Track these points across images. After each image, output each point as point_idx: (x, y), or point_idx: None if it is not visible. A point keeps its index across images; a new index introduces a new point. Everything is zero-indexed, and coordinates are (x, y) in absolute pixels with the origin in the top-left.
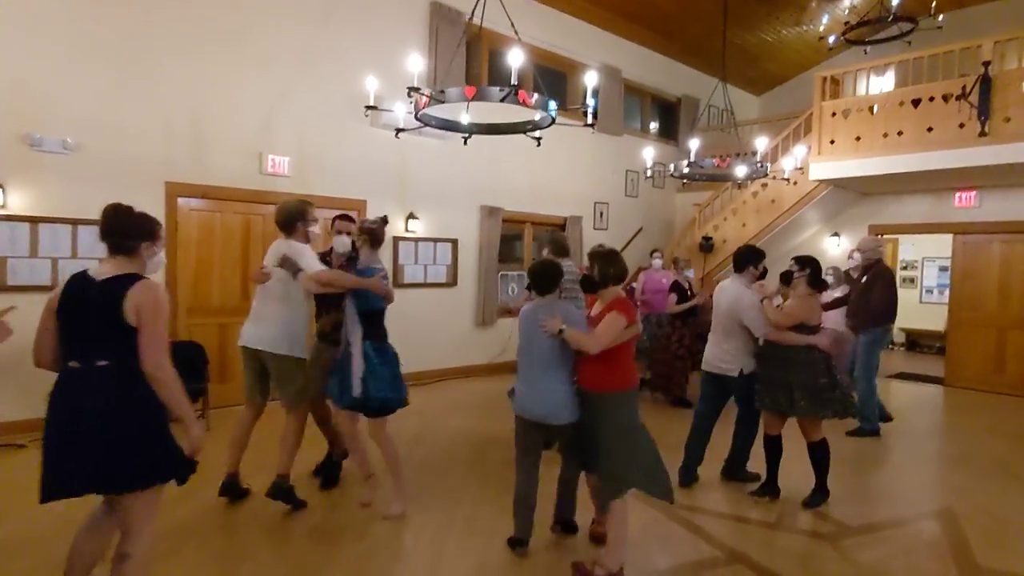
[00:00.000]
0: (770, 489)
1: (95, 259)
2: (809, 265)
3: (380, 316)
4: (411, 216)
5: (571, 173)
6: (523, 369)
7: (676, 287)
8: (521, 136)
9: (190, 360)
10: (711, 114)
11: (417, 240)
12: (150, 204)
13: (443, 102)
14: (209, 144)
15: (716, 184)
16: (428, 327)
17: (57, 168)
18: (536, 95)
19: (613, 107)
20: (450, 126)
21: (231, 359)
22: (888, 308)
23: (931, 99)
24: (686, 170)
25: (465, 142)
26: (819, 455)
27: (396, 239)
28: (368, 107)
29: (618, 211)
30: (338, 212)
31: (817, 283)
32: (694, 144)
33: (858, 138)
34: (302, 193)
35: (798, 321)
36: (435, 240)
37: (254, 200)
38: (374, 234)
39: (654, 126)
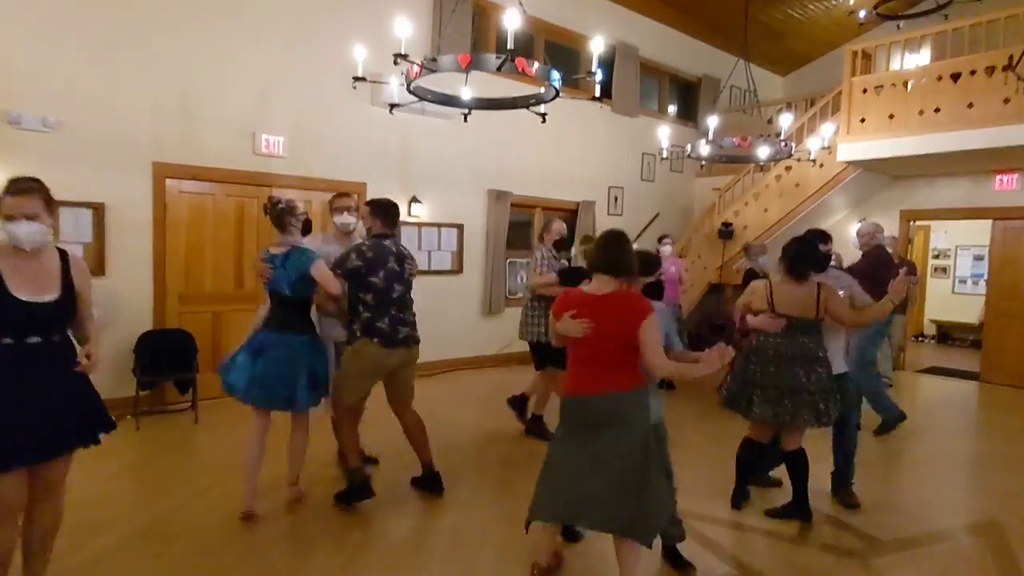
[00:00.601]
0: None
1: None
2: (787, 250)
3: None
4: (414, 200)
5: (584, 156)
6: None
7: (751, 274)
8: (531, 117)
9: (178, 349)
10: (733, 95)
11: (420, 225)
12: (136, 185)
13: (435, 71)
14: (199, 123)
15: (737, 168)
16: (432, 316)
17: (37, 147)
18: (537, 64)
19: (629, 87)
20: (447, 100)
21: (225, 348)
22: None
23: (972, 72)
24: (705, 151)
25: (465, 119)
26: (794, 465)
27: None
28: (356, 78)
29: (634, 196)
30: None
31: (795, 270)
32: (712, 122)
33: (891, 116)
34: (298, 175)
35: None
36: (439, 225)
37: (248, 182)
38: (280, 215)
39: (672, 108)
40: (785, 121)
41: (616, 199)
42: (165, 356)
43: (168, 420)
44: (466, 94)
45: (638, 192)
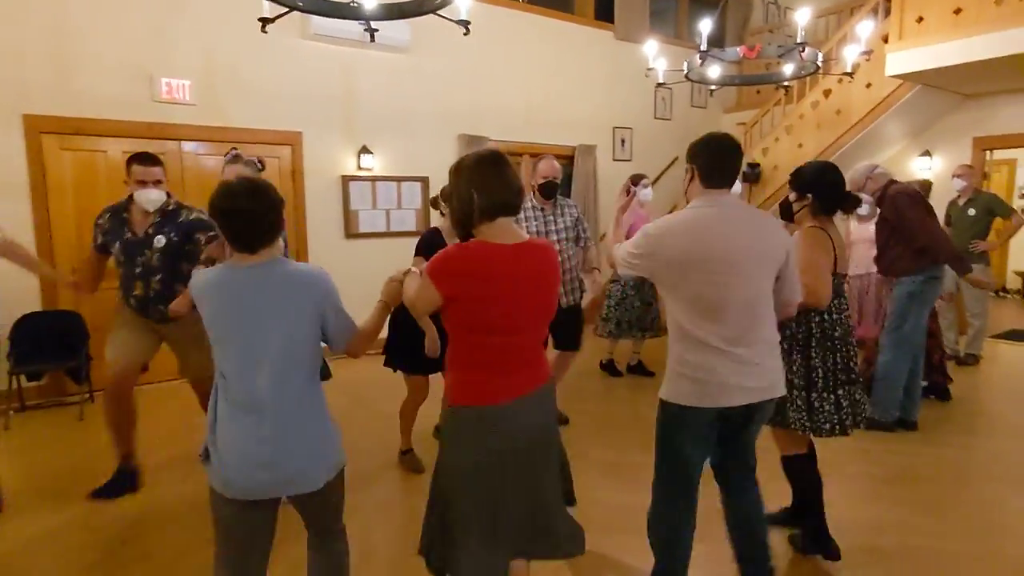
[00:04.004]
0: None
1: None
2: (811, 188)
3: None
4: (364, 150)
5: (582, 92)
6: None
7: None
8: (514, 46)
9: (63, 333)
10: (770, 15)
11: (375, 180)
12: (4, 143)
13: None
14: (78, 66)
15: (766, 99)
16: None
17: None
18: None
19: (636, 5)
20: (333, 10)
21: None
22: (931, 243)
23: None
24: (713, 71)
25: (372, 37)
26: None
27: (345, 179)
28: (262, 20)
29: (646, 138)
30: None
31: (827, 207)
32: (705, 28)
33: (958, 10)
34: (215, 126)
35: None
36: (398, 179)
37: (148, 135)
38: None
39: (707, 25)
40: (802, 17)
41: (623, 142)
42: (48, 342)
43: (54, 416)
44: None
45: (651, 133)
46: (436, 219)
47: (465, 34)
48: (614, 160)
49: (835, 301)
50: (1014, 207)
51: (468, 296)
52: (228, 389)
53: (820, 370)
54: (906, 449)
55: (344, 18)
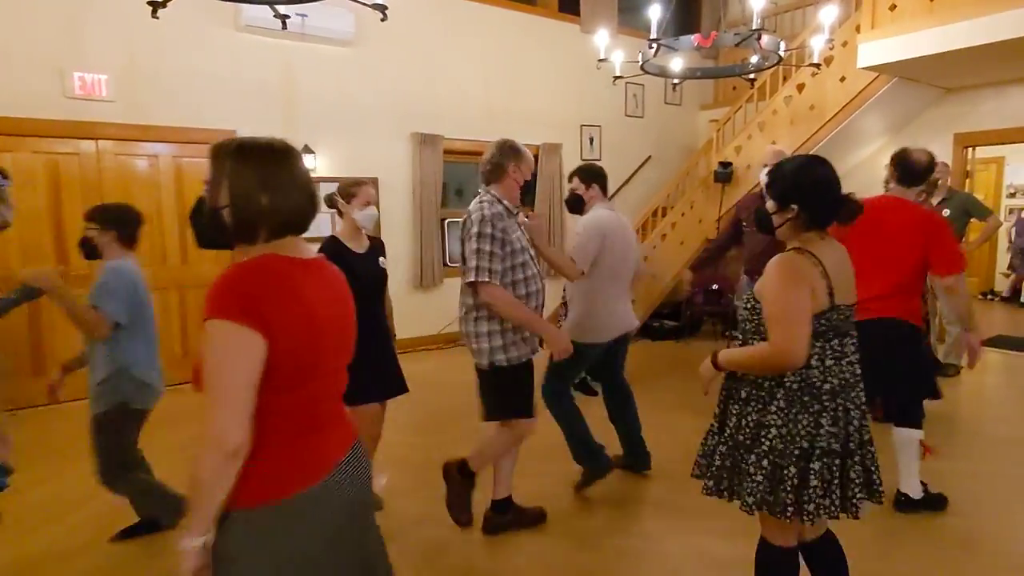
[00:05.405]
0: None
1: None
2: (795, 194)
3: None
4: (306, 150)
5: (547, 87)
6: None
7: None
8: (471, 38)
9: None
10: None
11: (319, 181)
12: None
13: None
14: None
15: (743, 94)
16: None
17: None
18: None
19: None
20: None
21: (50, 346)
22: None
23: None
24: (676, 64)
25: (284, 24)
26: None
27: None
28: (152, 3)
29: (616, 135)
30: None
31: (819, 218)
32: (655, 13)
33: None
34: (137, 124)
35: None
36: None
37: (61, 134)
38: None
39: (656, 11)
40: (757, 2)
41: (592, 140)
42: None
43: None
44: None
45: (622, 130)
46: (331, 223)
47: (382, 19)
48: (582, 159)
49: (834, 342)
50: (991, 208)
51: (284, 331)
52: None
53: (804, 438)
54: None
55: (247, 2)
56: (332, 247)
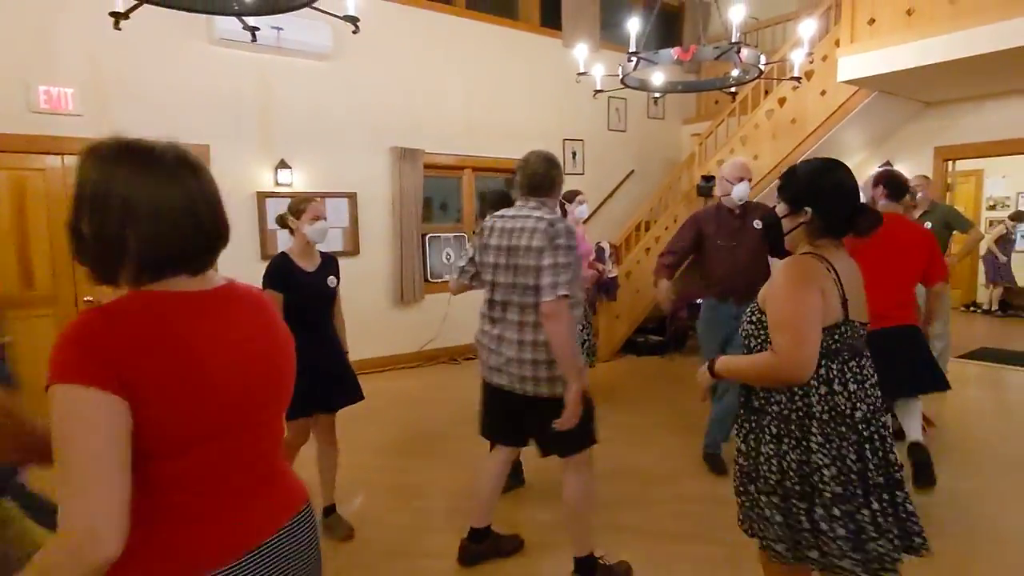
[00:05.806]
0: None
1: None
2: (810, 198)
3: None
4: (282, 165)
5: (528, 102)
6: None
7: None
8: (452, 52)
9: None
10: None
11: (295, 196)
12: None
13: None
14: None
15: (726, 108)
16: None
17: None
18: None
19: (587, 10)
20: (196, 4)
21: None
22: None
23: None
24: (657, 79)
25: (253, 37)
26: None
27: (261, 195)
28: (114, 14)
29: (599, 149)
30: None
31: (834, 226)
32: (634, 27)
33: (910, 11)
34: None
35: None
36: (322, 195)
37: (26, 149)
38: None
39: (635, 24)
40: (736, 15)
41: (574, 154)
42: None
43: None
44: None
45: (605, 145)
46: (285, 240)
47: (354, 32)
48: (565, 174)
49: (851, 363)
50: (972, 220)
51: (158, 390)
52: None
53: (825, 471)
54: None
55: (211, 13)
56: (280, 264)
